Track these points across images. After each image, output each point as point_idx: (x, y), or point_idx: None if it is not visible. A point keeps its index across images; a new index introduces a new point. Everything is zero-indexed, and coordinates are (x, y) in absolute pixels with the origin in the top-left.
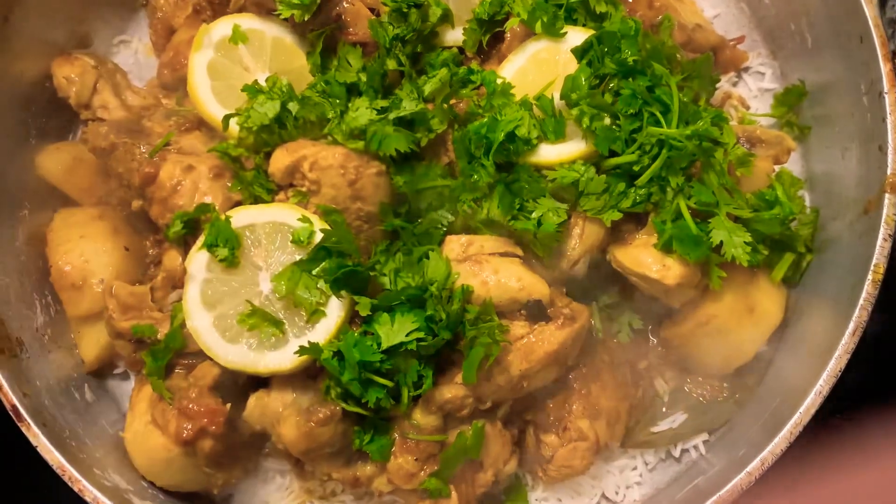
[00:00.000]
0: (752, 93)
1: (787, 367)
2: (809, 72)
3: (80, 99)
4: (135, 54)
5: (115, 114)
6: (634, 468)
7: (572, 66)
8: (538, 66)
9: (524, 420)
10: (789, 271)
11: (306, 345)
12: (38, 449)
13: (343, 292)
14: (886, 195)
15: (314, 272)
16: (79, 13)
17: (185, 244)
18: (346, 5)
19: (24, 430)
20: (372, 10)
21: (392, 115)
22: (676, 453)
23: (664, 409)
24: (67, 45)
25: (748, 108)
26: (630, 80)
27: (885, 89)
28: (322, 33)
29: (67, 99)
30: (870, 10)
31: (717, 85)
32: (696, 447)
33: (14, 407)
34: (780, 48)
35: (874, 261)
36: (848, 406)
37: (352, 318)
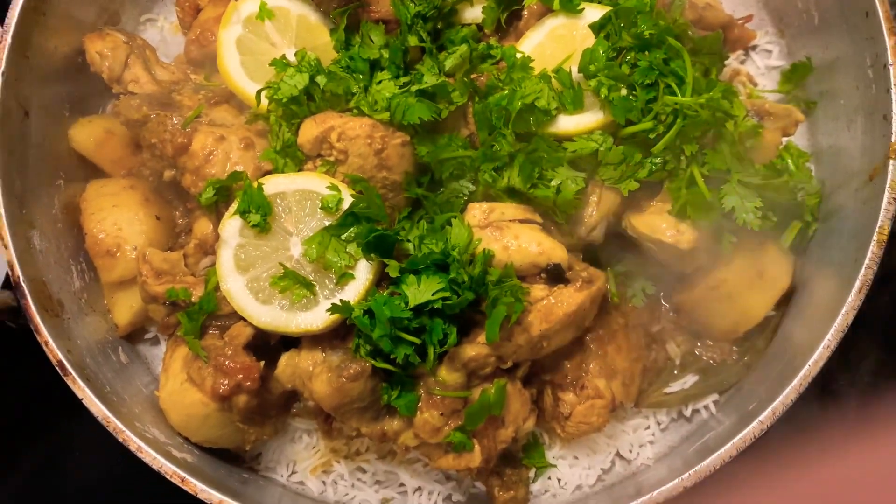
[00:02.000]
0: (760, 70)
1: (795, 331)
2: (816, 48)
3: (112, 73)
4: (161, 32)
5: (145, 88)
6: (647, 427)
7: (589, 41)
8: (556, 41)
9: (542, 381)
10: (796, 239)
11: (338, 304)
12: (84, 401)
13: (372, 255)
14: (891, 161)
15: (343, 237)
16: None
17: (216, 211)
18: None
19: (69, 383)
20: None
21: (414, 88)
22: (688, 413)
23: (676, 371)
24: (97, 22)
25: (756, 84)
26: (646, 52)
27: (890, 61)
28: (345, 11)
29: (100, 73)
30: None
31: (726, 63)
32: (706, 407)
33: (60, 362)
34: (787, 26)
35: (879, 223)
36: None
37: (378, 281)
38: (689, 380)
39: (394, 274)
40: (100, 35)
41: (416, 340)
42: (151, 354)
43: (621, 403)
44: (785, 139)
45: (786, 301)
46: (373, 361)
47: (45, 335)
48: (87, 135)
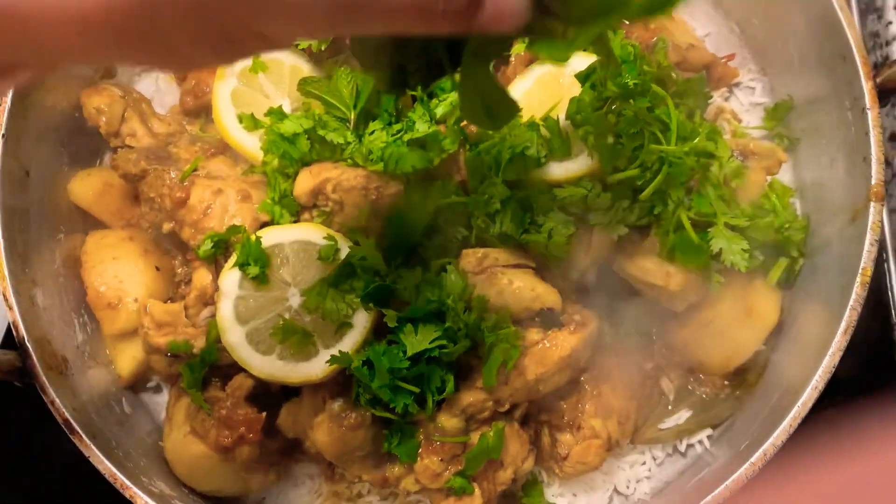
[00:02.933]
0: (744, 107)
1: (785, 365)
2: (797, 87)
3: (110, 128)
4: (156, 82)
5: (142, 141)
6: (644, 463)
7: (576, 88)
8: (543, 88)
9: (539, 421)
10: (783, 275)
11: (336, 354)
12: (91, 459)
13: (370, 305)
14: (872, 203)
15: (340, 287)
16: None
17: (214, 262)
18: None
19: (76, 441)
20: None
21: (406, 137)
22: (682, 448)
23: (670, 407)
24: (94, 76)
25: (740, 121)
26: (631, 101)
27: (868, 105)
28: (337, 60)
29: (97, 128)
30: (851, 33)
31: (710, 101)
32: (700, 442)
33: (66, 421)
34: (769, 65)
35: (862, 264)
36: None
37: (376, 328)
38: (683, 415)
39: (392, 324)
40: (96, 90)
41: (415, 389)
42: (154, 402)
43: (617, 441)
44: (769, 177)
45: (775, 335)
46: (373, 410)
47: (50, 394)
48: (86, 188)
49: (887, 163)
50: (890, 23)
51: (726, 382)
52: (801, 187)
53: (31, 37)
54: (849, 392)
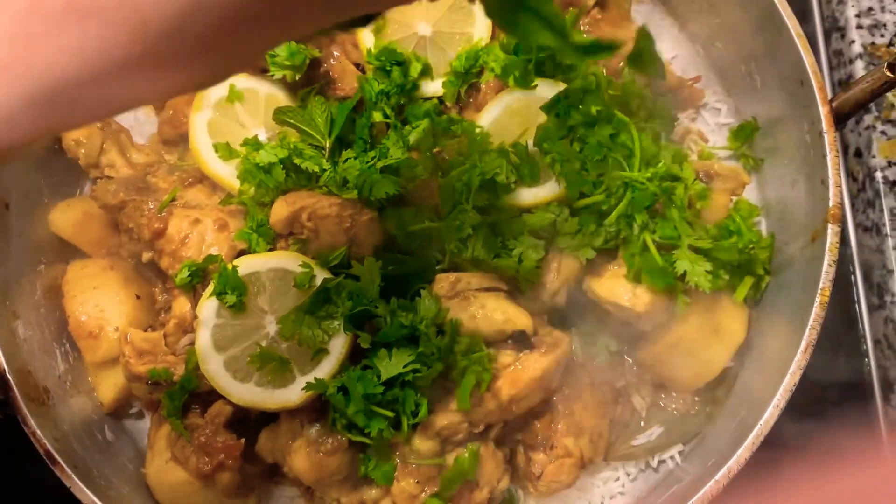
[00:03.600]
0: (711, 127)
1: (752, 380)
2: (760, 109)
3: (89, 159)
4: (135, 112)
5: (121, 171)
6: (617, 479)
7: (543, 115)
8: (512, 115)
9: (514, 440)
10: (750, 292)
11: (312, 381)
12: (72, 489)
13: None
14: (829, 225)
15: (316, 313)
16: None
17: (192, 290)
18: (332, 62)
19: (58, 472)
20: (357, 65)
21: (379, 164)
22: (654, 464)
23: (642, 424)
24: None
25: (707, 141)
26: (595, 128)
27: (825, 129)
28: (312, 90)
29: (77, 160)
30: (807, 58)
31: (677, 122)
32: (672, 457)
33: (48, 452)
34: (733, 87)
35: (821, 285)
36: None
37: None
38: (655, 431)
39: (365, 346)
40: None
41: (390, 414)
42: (136, 428)
43: (590, 459)
44: (734, 198)
45: (743, 352)
46: (349, 435)
47: (32, 426)
48: (66, 218)
49: (853, 178)
50: (853, 41)
51: (696, 399)
52: (767, 205)
53: None
54: (821, 402)
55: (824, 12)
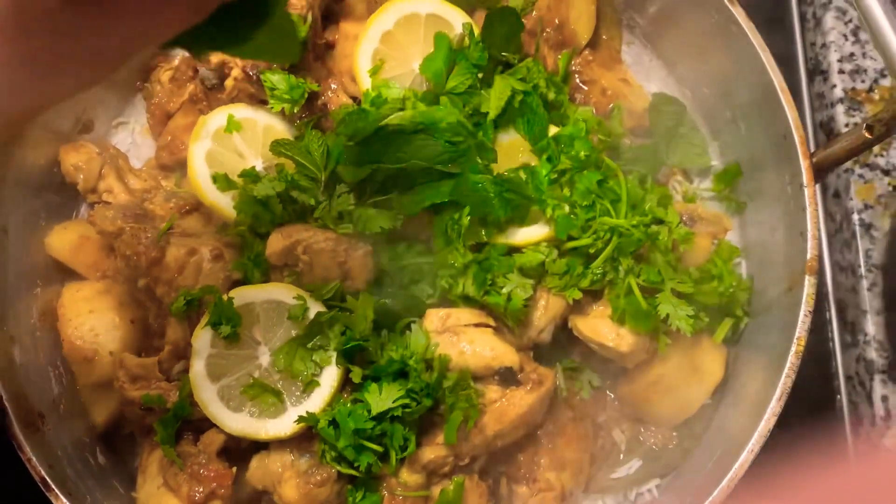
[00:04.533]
0: (695, 169)
1: (729, 419)
2: (744, 154)
3: (87, 185)
4: (132, 135)
5: (119, 197)
6: None
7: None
8: (504, 151)
9: (498, 471)
10: (728, 333)
11: (303, 412)
12: None
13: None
14: (806, 276)
15: (309, 346)
16: (83, 102)
17: (187, 318)
18: (330, 95)
19: (52, 499)
20: (354, 98)
21: (373, 199)
22: (632, 497)
23: (621, 457)
24: (73, 131)
25: (692, 181)
26: (584, 174)
27: (805, 183)
28: (309, 122)
29: (75, 185)
30: (791, 112)
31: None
32: (649, 490)
33: (43, 479)
34: (719, 131)
35: (797, 334)
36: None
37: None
38: (634, 464)
39: (357, 380)
40: (74, 147)
41: (379, 449)
42: (128, 450)
43: (571, 492)
44: (716, 241)
45: (720, 389)
46: (338, 467)
47: (27, 452)
48: (63, 242)
49: (831, 218)
50: (834, 86)
51: (674, 434)
52: (748, 247)
53: None
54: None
55: (808, 55)
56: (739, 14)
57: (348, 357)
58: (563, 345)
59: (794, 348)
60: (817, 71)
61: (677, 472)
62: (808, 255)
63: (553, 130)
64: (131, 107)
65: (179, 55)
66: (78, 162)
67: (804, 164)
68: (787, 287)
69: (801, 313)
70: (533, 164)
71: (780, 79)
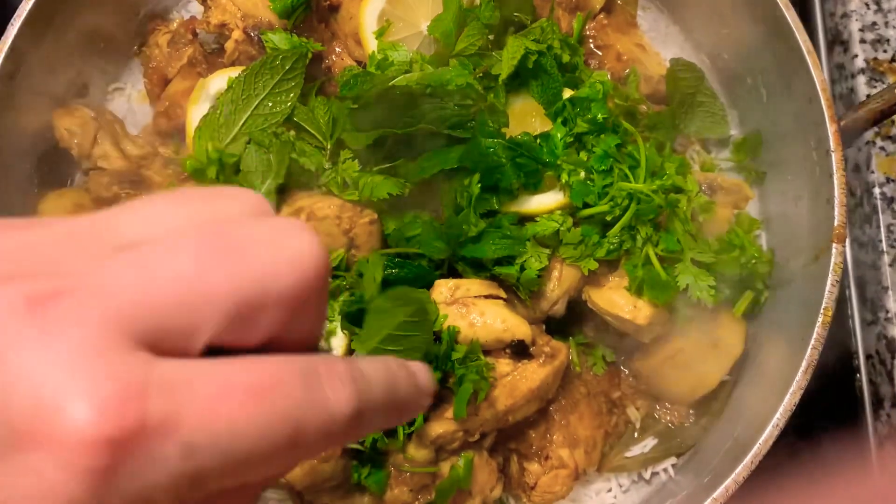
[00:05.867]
0: (713, 138)
1: (749, 396)
2: (766, 122)
3: (82, 150)
4: (128, 101)
5: (115, 163)
6: (609, 490)
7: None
8: (516, 115)
9: (508, 448)
10: (749, 306)
11: None
12: None
13: (345, 330)
14: (834, 245)
15: None
16: (78, 64)
17: None
18: (334, 59)
19: None
20: (359, 62)
21: (376, 167)
22: (647, 476)
23: (636, 435)
24: (66, 95)
25: (709, 151)
26: (601, 137)
27: (832, 148)
28: (313, 87)
29: (69, 150)
30: (817, 75)
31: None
32: (665, 470)
33: None
34: (738, 98)
35: (823, 304)
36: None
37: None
38: (649, 443)
39: (361, 350)
40: (68, 111)
41: None
42: None
43: (584, 470)
44: (736, 211)
45: (739, 365)
46: None
47: None
48: (57, 210)
49: (851, 193)
50: (855, 56)
51: (691, 411)
52: (768, 219)
53: None
54: (811, 415)
55: (827, 24)
56: None
57: (353, 322)
58: (576, 317)
59: (820, 318)
60: (837, 41)
61: (694, 451)
62: (836, 222)
63: (567, 94)
64: (128, 72)
65: (178, 18)
66: (72, 126)
67: (831, 129)
68: (812, 257)
69: (829, 283)
70: (547, 129)
71: (805, 39)
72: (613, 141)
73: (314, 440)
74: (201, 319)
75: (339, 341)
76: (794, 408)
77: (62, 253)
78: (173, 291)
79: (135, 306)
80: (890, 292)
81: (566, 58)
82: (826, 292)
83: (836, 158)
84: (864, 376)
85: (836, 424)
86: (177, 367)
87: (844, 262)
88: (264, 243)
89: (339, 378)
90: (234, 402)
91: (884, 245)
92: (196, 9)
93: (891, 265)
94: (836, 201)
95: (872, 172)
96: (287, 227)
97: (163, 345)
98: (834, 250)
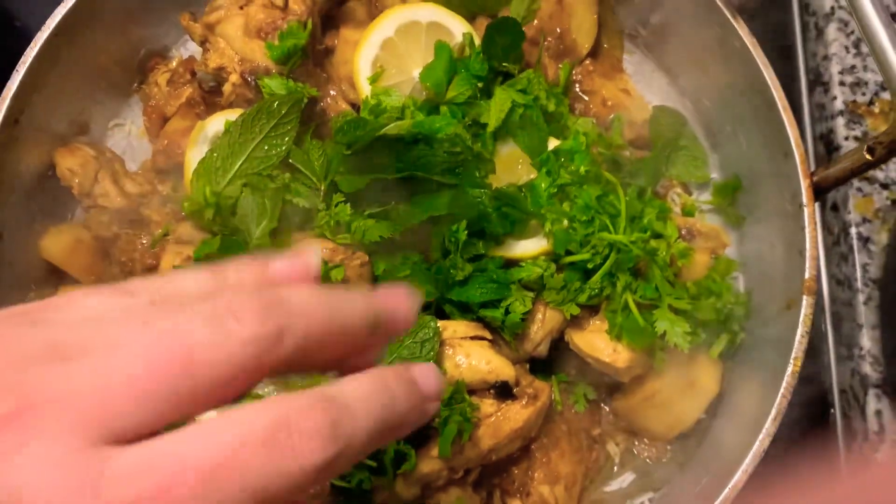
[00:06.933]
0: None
1: (724, 434)
2: (744, 168)
3: (83, 189)
4: (128, 136)
5: (114, 202)
6: None
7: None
8: (503, 162)
9: (492, 483)
10: (725, 347)
11: None
12: None
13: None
14: (804, 296)
15: None
16: (80, 103)
17: None
18: (329, 101)
19: None
20: (353, 105)
21: (368, 211)
22: None
23: (615, 470)
24: (68, 133)
25: (690, 193)
26: (583, 188)
27: (804, 202)
28: (308, 129)
29: (70, 188)
30: (793, 132)
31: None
32: None
33: None
34: (719, 143)
35: (793, 354)
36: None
37: None
38: (628, 478)
39: None
40: (70, 150)
41: (373, 464)
42: None
43: None
44: (714, 255)
45: (716, 403)
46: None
47: None
48: (57, 244)
49: (829, 231)
50: (835, 98)
51: (668, 447)
52: (746, 261)
53: None
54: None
55: (809, 64)
56: (742, 30)
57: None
58: (559, 356)
59: (790, 368)
60: (818, 82)
61: (670, 487)
62: (807, 275)
63: (552, 143)
64: (128, 108)
65: (177, 56)
66: (73, 166)
67: (804, 184)
68: (785, 305)
69: (798, 334)
70: (532, 177)
71: (781, 95)
72: (595, 192)
73: (283, 497)
74: (157, 413)
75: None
76: (764, 453)
77: (27, 370)
78: (126, 393)
79: (92, 412)
80: (864, 330)
81: (552, 107)
82: (796, 342)
83: (807, 212)
84: (838, 410)
85: (809, 458)
86: (134, 455)
87: (822, 297)
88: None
89: (311, 430)
90: (186, 486)
91: (859, 283)
92: (195, 47)
93: (865, 303)
94: (808, 254)
95: (850, 213)
96: (212, 315)
97: (126, 435)
98: (804, 302)
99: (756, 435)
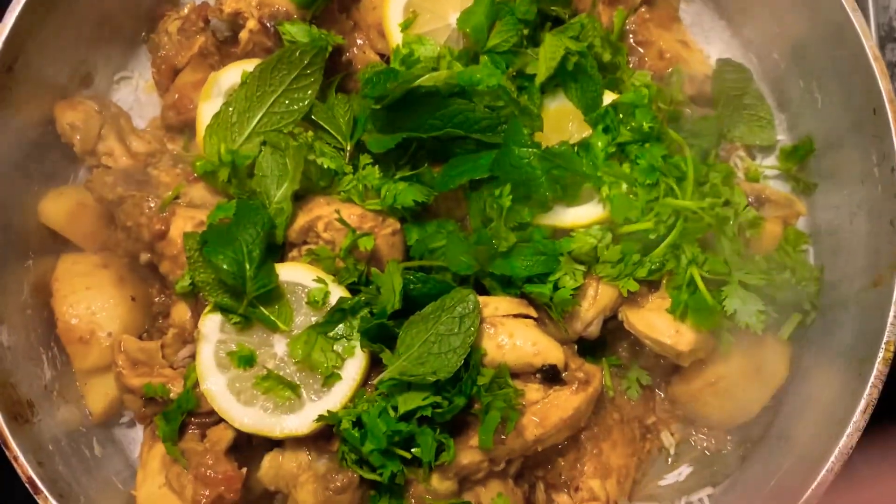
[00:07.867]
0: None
1: (794, 426)
2: (818, 129)
3: (85, 146)
4: (135, 91)
5: (120, 161)
6: None
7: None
8: (551, 119)
9: (535, 476)
10: (795, 328)
11: (323, 409)
12: None
13: (365, 348)
14: None
15: (330, 334)
16: (81, 53)
17: (195, 297)
18: (355, 51)
19: (40, 501)
20: (382, 55)
21: (399, 174)
22: None
23: (670, 462)
24: (69, 85)
25: (754, 158)
26: (646, 147)
27: None
28: (332, 82)
29: (71, 145)
30: (884, 84)
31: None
32: (700, 500)
33: (30, 479)
34: (788, 101)
35: (885, 338)
36: None
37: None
38: (684, 471)
39: (387, 362)
40: (71, 104)
41: (408, 455)
42: (128, 438)
43: (615, 501)
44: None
45: (782, 391)
46: (360, 471)
47: (14, 450)
48: (58, 208)
49: None
50: None
51: (729, 438)
52: (817, 233)
53: None
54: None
55: (880, 19)
56: None
57: (374, 339)
58: (610, 338)
59: (881, 354)
60: (890, 37)
61: (732, 481)
62: None
63: (608, 97)
64: (135, 60)
65: (189, 3)
66: (75, 120)
67: None
68: (870, 282)
69: (891, 315)
70: (585, 135)
71: (872, 45)
72: (660, 152)
73: None
74: None
75: (355, 364)
76: (851, 450)
77: None
78: None
79: None
80: None
81: (607, 57)
82: (888, 325)
83: None
84: None
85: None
86: None
87: None
88: None
89: None
90: None
91: None
92: None
93: None
94: None
95: None
96: None
97: None
98: None
99: (841, 429)
